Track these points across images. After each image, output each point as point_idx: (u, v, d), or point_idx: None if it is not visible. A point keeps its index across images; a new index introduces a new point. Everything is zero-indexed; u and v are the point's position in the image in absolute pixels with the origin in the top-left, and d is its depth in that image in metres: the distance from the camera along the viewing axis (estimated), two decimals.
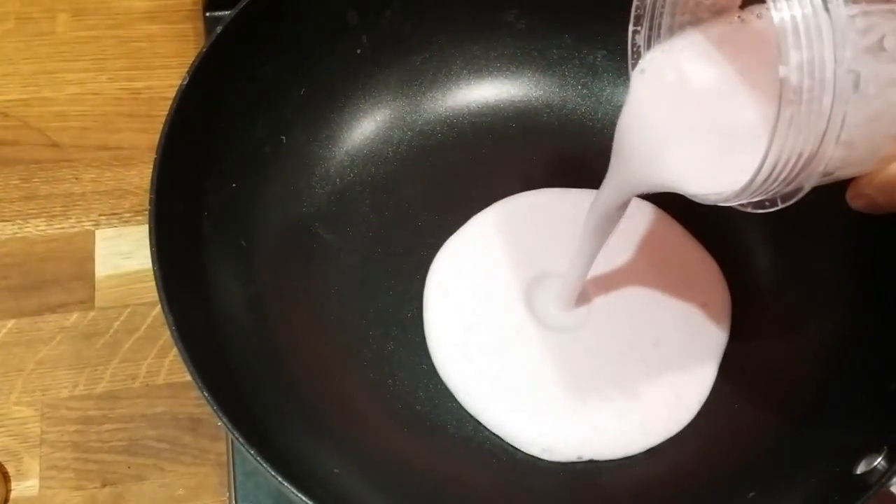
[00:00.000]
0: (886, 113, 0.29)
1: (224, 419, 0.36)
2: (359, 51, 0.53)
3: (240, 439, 0.36)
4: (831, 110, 0.28)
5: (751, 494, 0.43)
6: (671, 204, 0.53)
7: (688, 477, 0.45)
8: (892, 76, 0.29)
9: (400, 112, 0.55)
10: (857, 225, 0.48)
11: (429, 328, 0.49)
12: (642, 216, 0.54)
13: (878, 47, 0.28)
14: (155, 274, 0.40)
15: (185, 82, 0.44)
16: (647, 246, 0.53)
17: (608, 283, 0.52)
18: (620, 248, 0.53)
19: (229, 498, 0.47)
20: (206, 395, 0.37)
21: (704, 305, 0.51)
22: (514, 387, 0.47)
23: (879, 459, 0.39)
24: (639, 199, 0.53)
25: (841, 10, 0.28)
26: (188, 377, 0.50)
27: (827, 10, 0.27)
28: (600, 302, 0.51)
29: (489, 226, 0.52)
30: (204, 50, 0.45)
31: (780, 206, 0.31)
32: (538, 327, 0.50)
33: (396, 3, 0.53)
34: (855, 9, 0.28)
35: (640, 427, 0.47)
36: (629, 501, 0.46)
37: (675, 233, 0.53)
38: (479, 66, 0.56)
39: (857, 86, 0.28)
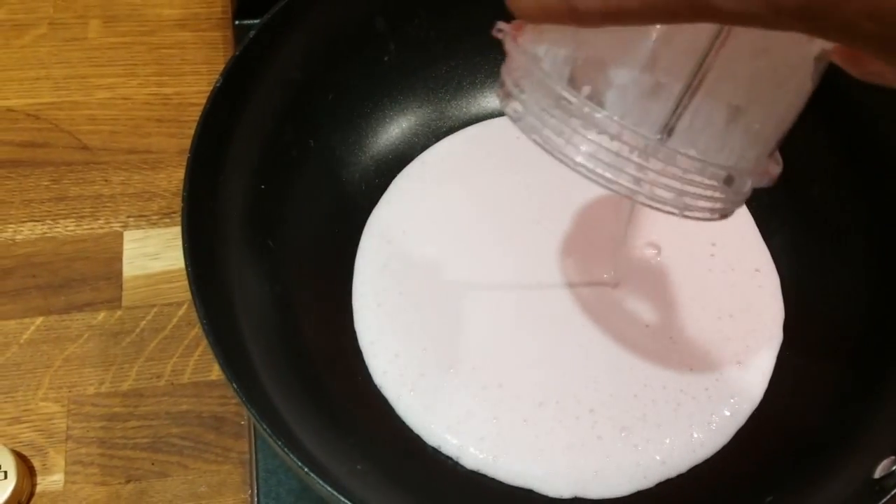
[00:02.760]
0: None
1: (252, 411, 0.37)
2: (386, 58, 0.54)
3: (267, 430, 0.37)
4: None
5: (769, 499, 0.43)
6: None
7: (705, 479, 0.45)
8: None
9: (425, 118, 0.56)
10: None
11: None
12: None
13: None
14: (187, 271, 0.40)
15: (217, 84, 0.45)
16: (713, 237, 0.53)
17: (644, 274, 0.52)
18: (685, 236, 0.53)
19: (251, 495, 0.48)
20: (235, 386, 0.37)
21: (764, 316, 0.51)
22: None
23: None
24: None
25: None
26: (212, 376, 0.52)
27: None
28: (630, 295, 0.51)
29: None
30: (236, 54, 0.46)
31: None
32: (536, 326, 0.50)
33: (423, 12, 0.54)
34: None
35: (660, 460, 0.46)
36: None
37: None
38: None
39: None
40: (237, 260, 0.45)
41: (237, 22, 0.61)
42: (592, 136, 0.31)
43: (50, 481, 0.49)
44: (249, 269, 0.46)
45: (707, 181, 0.32)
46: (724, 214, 0.33)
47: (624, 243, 0.52)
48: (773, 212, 0.54)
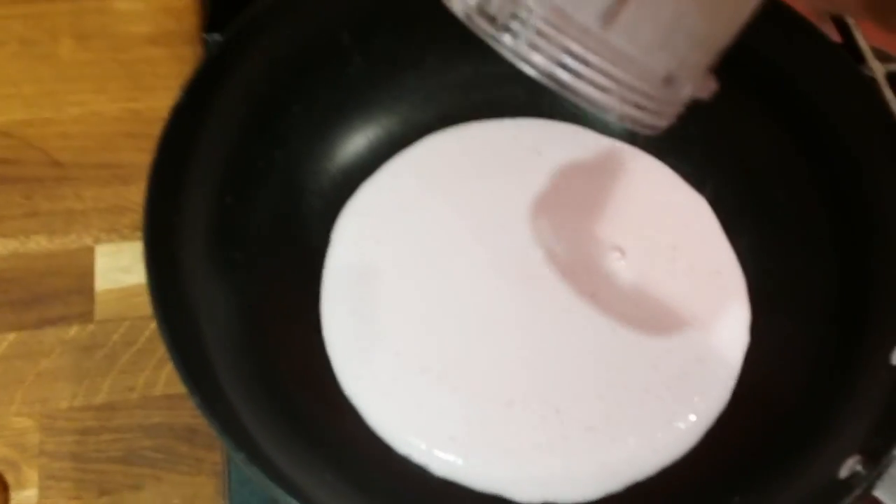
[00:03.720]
0: None
1: (216, 426, 0.37)
2: (351, 69, 0.54)
3: (231, 445, 0.37)
4: None
5: (735, 499, 0.43)
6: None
7: (673, 481, 0.46)
8: None
9: (392, 128, 0.56)
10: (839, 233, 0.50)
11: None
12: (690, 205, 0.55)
13: None
14: (149, 287, 0.41)
15: (179, 99, 0.45)
16: (679, 239, 0.54)
17: (608, 276, 0.52)
18: (651, 240, 0.54)
19: None
20: (199, 402, 0.38)
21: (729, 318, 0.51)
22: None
23: (860, 464, 0.40)
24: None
25: None
26: (184, 389, 0.52)
27: None
28: (594, 296, 0.52)
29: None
30: (199, 67, 0.46)
31: None
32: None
33: (388, 24, 0.54)
34: None
35: (626, 461, 0.47)
36: None
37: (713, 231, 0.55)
38: (471, 84, 0.57)
39: None
40: (203, 274, 0.45)
41: (206, 36, 0.61)
42: (534, 19, 0.30)
43: (24, 496, 0.49)
44: (215, 283, 0.46)
45: (646, 79, 0.31)
46: (657, 123, 0.33)
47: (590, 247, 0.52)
48: (739, 213, 0.54)
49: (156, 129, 0.57)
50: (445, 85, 0.57)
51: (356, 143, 0.55)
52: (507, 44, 0.31)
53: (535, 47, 0.31)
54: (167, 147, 0.44)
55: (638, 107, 0.32)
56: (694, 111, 0.56)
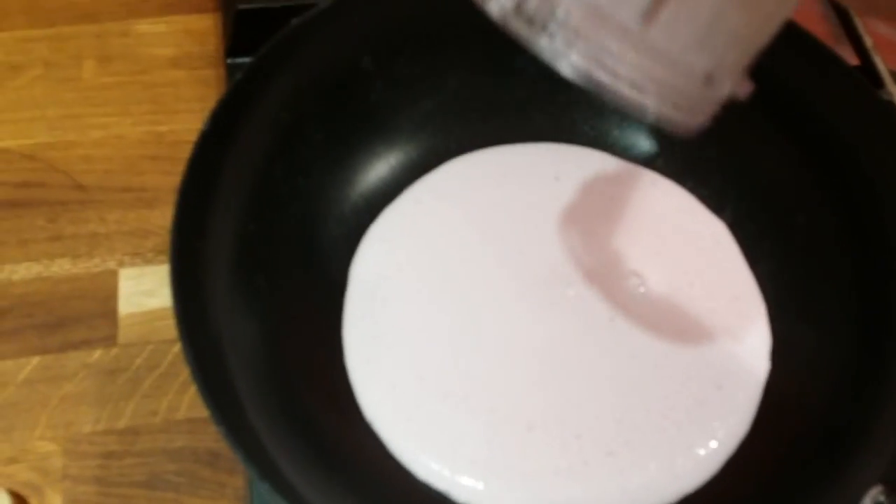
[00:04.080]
0: None
1: (241, 454, 0.38)
2: (373, 96, 0.55)
3: (255, 471, 0.37)
4: None
5: None
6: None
7: None
8: None
9: (413, 153, 0.57)
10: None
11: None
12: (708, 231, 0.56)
13: None
14: (174, 311, 0.41)
15: (205, 127, 0.45)
16: (698, 264, 0.54)
17: (627, 301, 0.52)
18: (670, 264, 0.54)
19: None
20: (224, 431, 0.38)
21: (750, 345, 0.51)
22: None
23: (883, 495, 0.40)
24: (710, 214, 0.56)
25: None
26: (207, 413, 0.52)
27: None
28: (613, 321, 0.52)
29: None
30: (224, 96, 0.47)
31: None
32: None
33: (409, 50, 0.55)
34: None
35: (646, 487, 0.46)
36: None
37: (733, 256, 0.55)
38: (491, 109, 0.58)
39: None
40: (226, 299, 0.45)
41: (229, 60, 0.62)
42: (572, 18, 0.30)
43: None
44: (239, 308, 0.46)
45: (685, 78, 0.31)
46: (693, 122, 0.33)
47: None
48: (759, 238, 0.55)
49: (179, 152, 0.57)
50: (466, 110, 0.57)
51: (378, 169, 0.56)
52: (543, 45, 0.31)
53: (572, 47, 0.31)
54: (194, 173, 0.44)
55: (675, 106, 0.32)
56: (713, 135, 0.56)
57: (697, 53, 0.31)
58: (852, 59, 0.63)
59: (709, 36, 0.31)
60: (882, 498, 0.40)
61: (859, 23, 0.64)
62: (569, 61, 0.31)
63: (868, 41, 0.63)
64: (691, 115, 0.33)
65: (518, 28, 0.31)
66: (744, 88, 0.34)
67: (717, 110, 0.34)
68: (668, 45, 0.31)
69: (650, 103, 0.32)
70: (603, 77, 0.31)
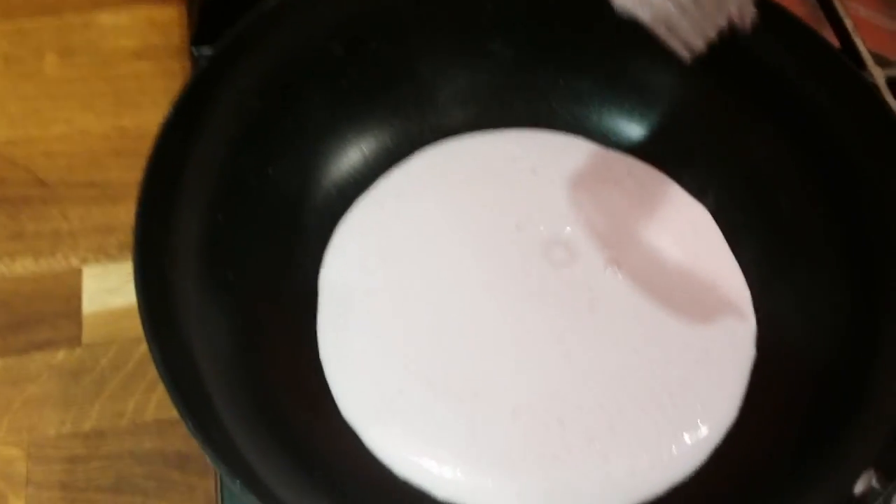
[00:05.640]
0: None
1: (210, 453, 0.36)
2: (344, 82, 0.53)
3: (226, 472, 0.36)
4: None
5: None
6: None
7: (681, 500, 0.45)
8: None
9: (386, 141, 0.55)
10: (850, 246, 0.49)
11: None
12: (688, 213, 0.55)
13: None
14: (140, 308, 0.39)
15: (168, 116, 0.44)
16: (680, 250, 0.53)
17: (607, 288, 0.51)
18: (650, 251, 0.53)
19: None
20: (193, 428, 0.36)
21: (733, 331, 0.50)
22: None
23: (875, 480, 0.39)
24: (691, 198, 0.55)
25: None
26: (176, 413, 0.50)
27: None
28: (593, 309, 0.51)
29: None
30: (188, 82, 0.45)
31: None
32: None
33: (380, 35, 0.53)
34: None
35: (631, 473, 0.46)
36: None
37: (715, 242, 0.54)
38: (465, 95, 0.57)
39: None
40: (194, 294, 0.44)
41: (194, 50, 0.60)
42: None
43: None
44: (208, 303, 0.45)
45: None
46: (695, 42, 0.39)
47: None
48: (741, 223, 0.54)
49: (143, 147, 0.56)
50: (440, 96, 0.56)
51: (350, 157, 0.54)
52: None
53: None
54: (157, 164, 0.43)
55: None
56: (695, 119, 0.55)
57: None
58: (833, 41, 0.63)
59: None
60: (874, 482, 0.39)
61: (839, 4, 0.64)
62: None
63: (849, 23, 0.63)
64: (692, 34, 0.39)
65: None
66: (748, 11, 0.39)
67: (714, 34, 0.39)
68: None
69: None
70: None
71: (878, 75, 0.60)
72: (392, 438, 0.46)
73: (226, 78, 0.47)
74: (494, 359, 0.48)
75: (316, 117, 0.53)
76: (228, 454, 0.37)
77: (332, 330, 0.49)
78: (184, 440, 0.50)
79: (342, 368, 0.48)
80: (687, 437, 0.46)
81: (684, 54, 0.40)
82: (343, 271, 0.51)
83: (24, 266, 0.56)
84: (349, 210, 0.53)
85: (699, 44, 0.39)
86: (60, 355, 0.52)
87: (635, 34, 0.39)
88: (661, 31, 0.39)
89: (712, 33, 0.39)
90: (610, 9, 0.39)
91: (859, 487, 0.39)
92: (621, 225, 0.54)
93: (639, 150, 0.56)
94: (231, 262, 0.47)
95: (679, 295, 0.51)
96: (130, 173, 0.59)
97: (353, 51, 0.53)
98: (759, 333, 0.50)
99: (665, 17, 0.38)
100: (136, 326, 0.52)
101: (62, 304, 0.54)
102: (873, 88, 0.55)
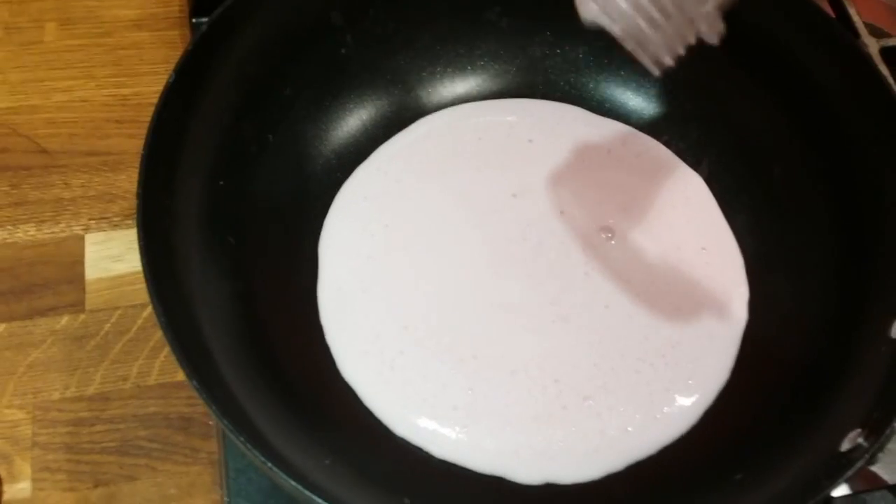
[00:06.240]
0: None
1: (216, 410, 0.37)
2: (343, 50, 0.54)
3: (229, 427, 0.36)
4: None
5: (738, 476, 0.43)
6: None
7: (673, 459, 0.45)
8: None
9: (385, 109, 0.56)
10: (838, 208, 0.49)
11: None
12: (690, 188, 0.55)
13: None
14: (144, 271, 0.40)
15: (170, 81, 0.44)
16: (674, 217, 0.54)
17: (601, 254, 0.52)
18: (643, 218, 0.54)
19: (222, 496, 0.47)
20: (198, 386, 0.37)
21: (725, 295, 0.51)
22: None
23: (862, 437, 0.39)
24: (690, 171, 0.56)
25: None
26: (179, 377, 0.51)
27: None
28: (588, 275, 0.51)
29: None
30: (188, 49, 0.46)
31: None
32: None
33: (380, 3, 0.54)
34: None
35: (624, 431, 0.47)
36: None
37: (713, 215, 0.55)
38: (464, 64, 0.57)
39: None
40: (197, 258, 0.44)
41: (194, 20, 0.60)
42: None
43: (17, 489, 0.48)
44: (210, 267, 0.45)
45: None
46: (663, 58, 0.40)
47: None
48: (735, 190, 0.54)
49: (144, 115, 0.56)
50: (438, 65, 0.57)
51: (350, 125, 0.55)
52: None
53: None
54: (159, 130, 0.43)
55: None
56: (690, 87, 0.56)
57: None
58: (827, 12, 0.63)
59: None
60: (861, 440, 0.39)
61: None
62: None
63: None
64: (661, 49, 0.39)
65: None
66: (717, 30, 0.39)
67: (681, 52, 0.39)
68: None
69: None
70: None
71: (872, 45, 0.61)
72: (391, 398, 0.47)
73: (226, 43, 0.48)
74: (492, 321, 0.49)
75: (315, 86, 0.53)
76: (232, 412, 0.38)
77: (332, 293, 0.50)
78: (187, 403, 0.51)
79: (342, 330, 0.49)
80: (679, 398, 0.47)
81: (653, 69, 0.40)
82: (343, 236, 0.52)
83: (26, 233, 0.56)
84: (349, 177, 0.53)
85: (668, 59, 0.40)
86: (64, 321, 0.53)
87: None
88: (630, 46, 0.40)
89: (681, 49, 0.40)
90: None
91: (846, 445, 0.40)
92: (616, 192, 0.54)
93: (634, 119, 0.57)
94: (232, 226, 0.48)
95: (672, 260, 0.52)
96: (131, 141, 0.60)
97: (353, 19, 0.53)
98: (751, 297, 0.51)
99: (635, 33, 0.39)
100: (138, 292, 0.54)
101: (65, 270, 0.55)
102: (869, 58, 0.55)
